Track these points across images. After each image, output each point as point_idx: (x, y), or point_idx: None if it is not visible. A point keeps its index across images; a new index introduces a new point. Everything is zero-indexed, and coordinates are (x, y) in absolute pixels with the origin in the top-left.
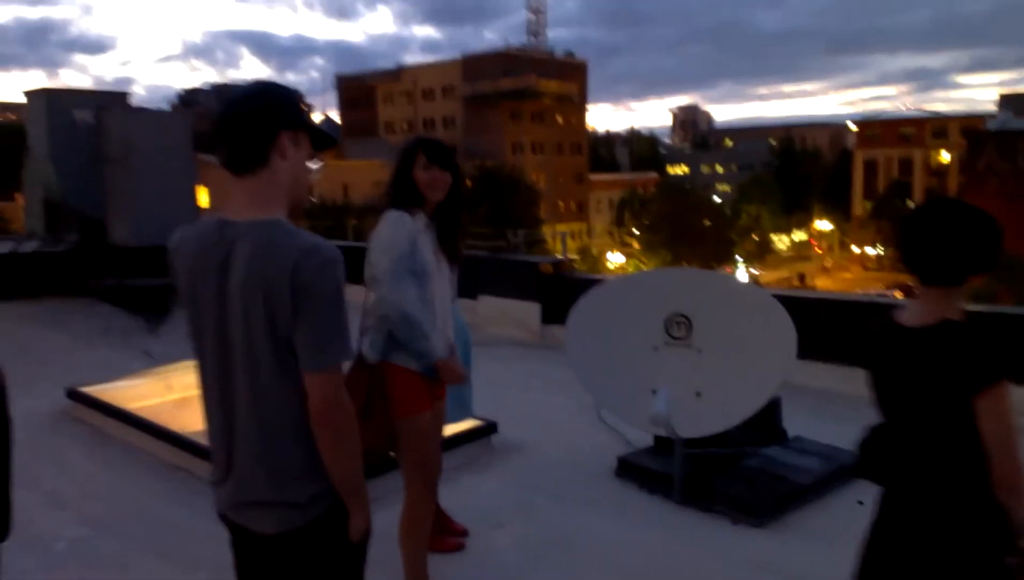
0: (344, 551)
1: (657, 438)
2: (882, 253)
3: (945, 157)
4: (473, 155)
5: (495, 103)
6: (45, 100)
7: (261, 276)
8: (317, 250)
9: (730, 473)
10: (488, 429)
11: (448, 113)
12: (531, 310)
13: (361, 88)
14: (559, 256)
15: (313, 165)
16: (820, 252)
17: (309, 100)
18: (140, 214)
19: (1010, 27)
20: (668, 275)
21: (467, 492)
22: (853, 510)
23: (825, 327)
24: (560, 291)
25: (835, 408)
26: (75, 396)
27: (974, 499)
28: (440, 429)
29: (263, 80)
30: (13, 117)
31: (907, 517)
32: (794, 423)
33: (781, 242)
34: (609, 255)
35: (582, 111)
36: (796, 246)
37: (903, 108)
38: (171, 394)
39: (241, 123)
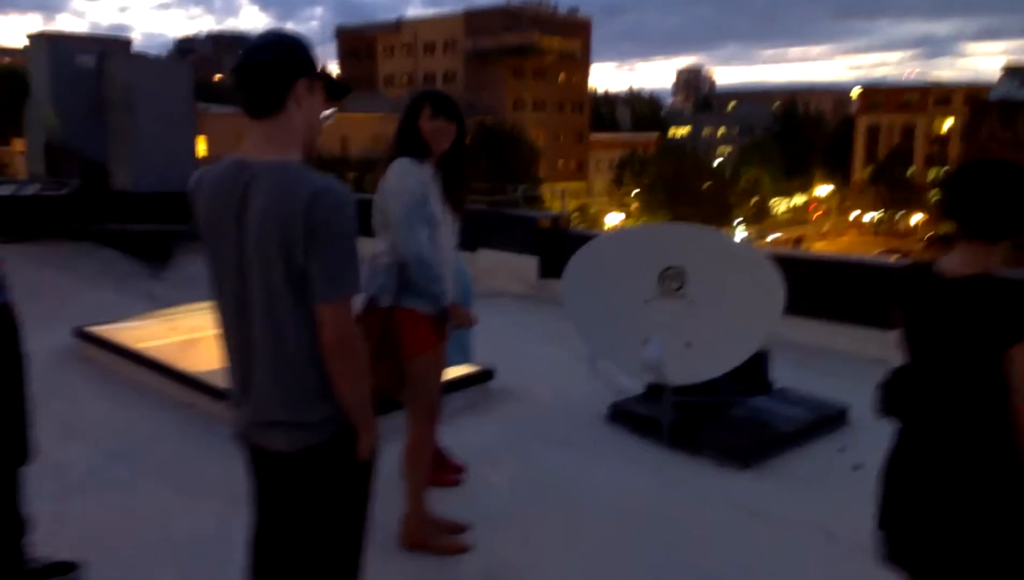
0: (353, 469)
1: (648, 386)
2: (880, 218)
3: (947, 125)
4: (474, 111)
5: (497, 59)
6: (47, 45)
7: (277, 212)
8: (330, 189)
9: (717, 420)
10: (486, 375)
11: (449, 68)
12: (529, 264)
13: (361, 40)
14: (558, 212)
15: (326, 112)
16: (819, 215)
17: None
18: (141, 160)
19: None
20: (663, 230)
21: (465, 433)
22: (833, 457)
23: (813, 285)
24: (558, 246)
25: (821, 363)
26: (83, 336)
27: (994, 445)
28: (442, 371)
29: (280, 30)
30: (9, 61)
31: (926, 457)
32: (781, 376)
33: (781, 206)
34: (608, 216)
35: (584, 69)
36: (795, 210)
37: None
38: (176, 335)
39: (260, 70)
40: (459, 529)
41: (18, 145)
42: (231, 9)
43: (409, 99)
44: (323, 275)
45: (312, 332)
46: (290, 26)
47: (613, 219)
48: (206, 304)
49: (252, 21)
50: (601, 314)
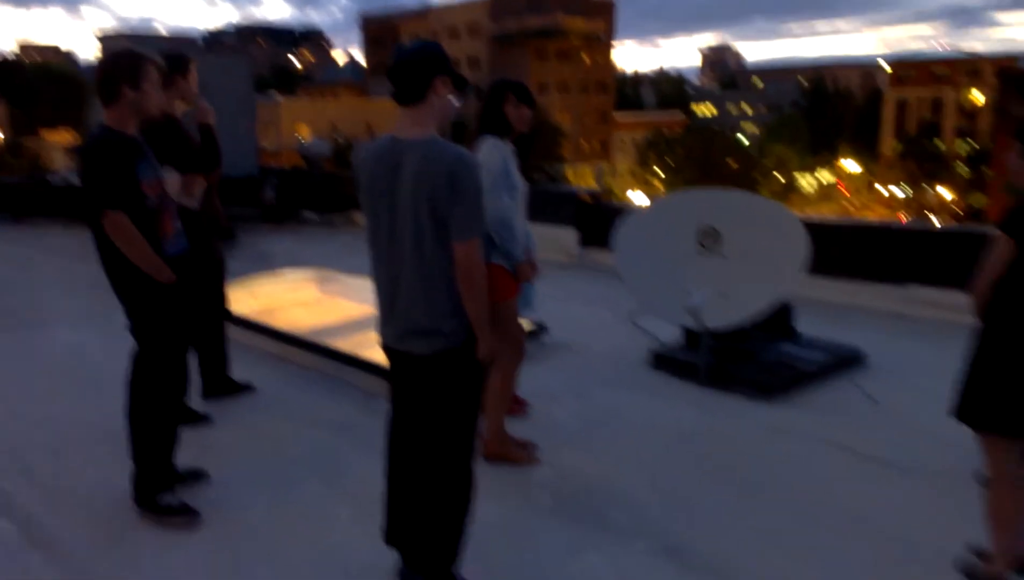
0: (474, 369)
1: (686, 336)
2: (909, 195)
3: (978, 98)
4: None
5: (521, 42)
6: (122, 45)
7: (427, 174)
8: (464, 157)
9: (747, 362)
10: (540, 329)
11: (473, 52)
12: (570, 235)
13: (386, 27)
14: (596, 187)
15: (454, 100)
16: (846, 193)
17: (331, 39)
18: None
19: None
20: (702, 194)
21: (525, 378)
22: (849, 391)
23: (836, 248)
24: (597, 218)
25: (842, 317)
26: None
27: None
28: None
29: (423, 40)
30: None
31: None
32: (805, 329)
33: (807, 183)
34: (631, 194)
35: (608, 50)
36: (822, 187)
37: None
38: (257, 301)
39: (407, 70)
40: (530, 446)
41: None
42: None
43: (490, 88)
44: (459, 221)
45: (449, 264)
46: (312, 14)
47: (638, 199)
48: (277, 275)
49: (275, 11)
50: (648, 271)
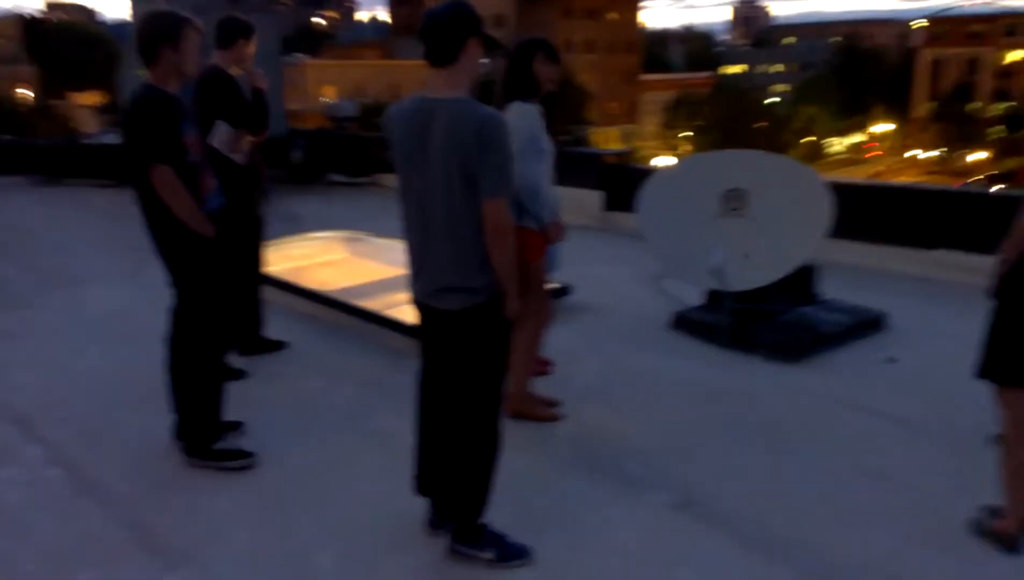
0: (501, 324)
1: (708, 297)
2: (944, 156)
3: (1016, 56)
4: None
5: (548, 1)
6: (151, 5)
7: (457, 134)
8: (494, 117)
9: (769, 324)
10: (563, 290)
11: (499, 10)
12: (595, 198)
13: None
14: (622, 149)
15: (484, 61)
16: (879, 154)
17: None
18: None
19: None
20: (728, 155)
21: (549, 337)
22: (870, 354)
23: (862, 210)
24: (622, 180)
25: (866, 280)
26: None
27: None
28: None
29: (457, 0)
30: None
31: None
32: (828, 291)
33: (838, 144)
34: (657, 158)
35: (636, 8)
36: (852, 149)
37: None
38: (288, 262)
39: (439, 31)
40: (553, 403)
41: (81, 98)
42: None
43: (518, 45)
44: (489, 179)
45: (478, 220)
46: None
47: (664, 162)
48: (306, 237)
49: None
50: (671, 232)
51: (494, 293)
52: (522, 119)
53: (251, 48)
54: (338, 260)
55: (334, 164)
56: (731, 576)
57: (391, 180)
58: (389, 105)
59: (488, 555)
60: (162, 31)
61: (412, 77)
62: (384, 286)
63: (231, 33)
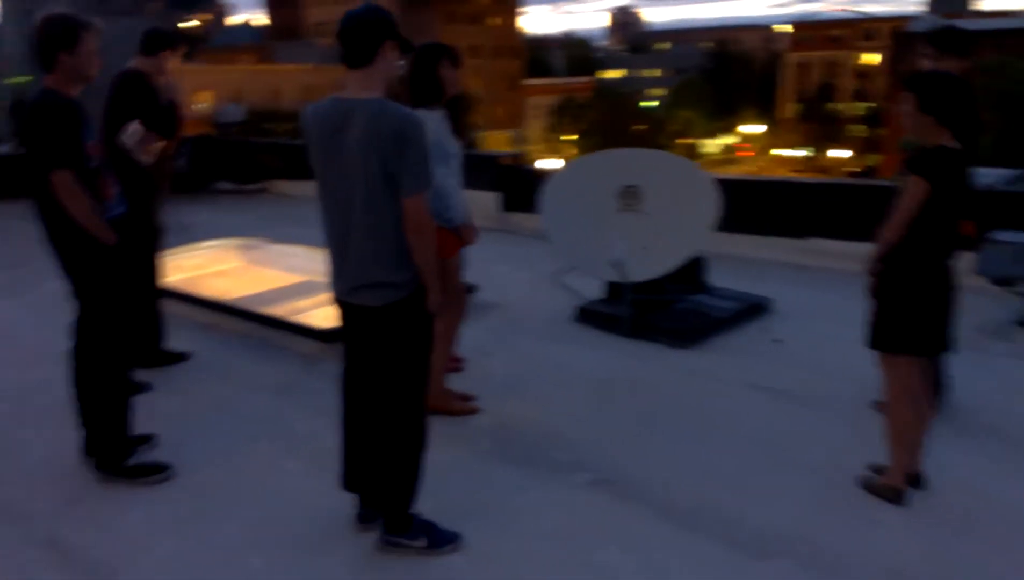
0: (424, 318)
1: (608, 291)
2: (810, 155)
3: (874, 59)
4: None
5: (430, 4)
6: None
7: (376, 133)
8: (412, 116)
9: (665, 313)
10: (470, 288)
11: None
12: (492, 199)
13: None
14: (516, 151)
15: (399, 63)
16: (751, 154)
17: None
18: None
19: None
20: (622, 154)
21: (457, 337)
22: (758, 336)
23: (745, 204)
24: (518, 182)
25: (748, 269)
26: None
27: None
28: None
29: (371, 4)
30: None
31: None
32: (717, 280)
33: (712, 146)
34: (543, 162)
35: (518, 14)
36: (726, 150)
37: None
38: (182, 273)
39: (356, 34)
40: (469, 397)
41: None
42: None
43: (422, 51)
44: (409, 176)
45: (398, 217)
46: None
47: (550, 165)
48: (199, 245)
49: None
50: (573, 229)
51: (415, 288)
52: (428, 124)
53: (175, 60)
54: (233, 269)
55: (221, 171)
56: (651, 546)
57: (284, 186)
58: (305, 107)
59: (420, 543)
60: (58, 36)
61: (292, 81)
62: (285, 293)
63: (157, 43)
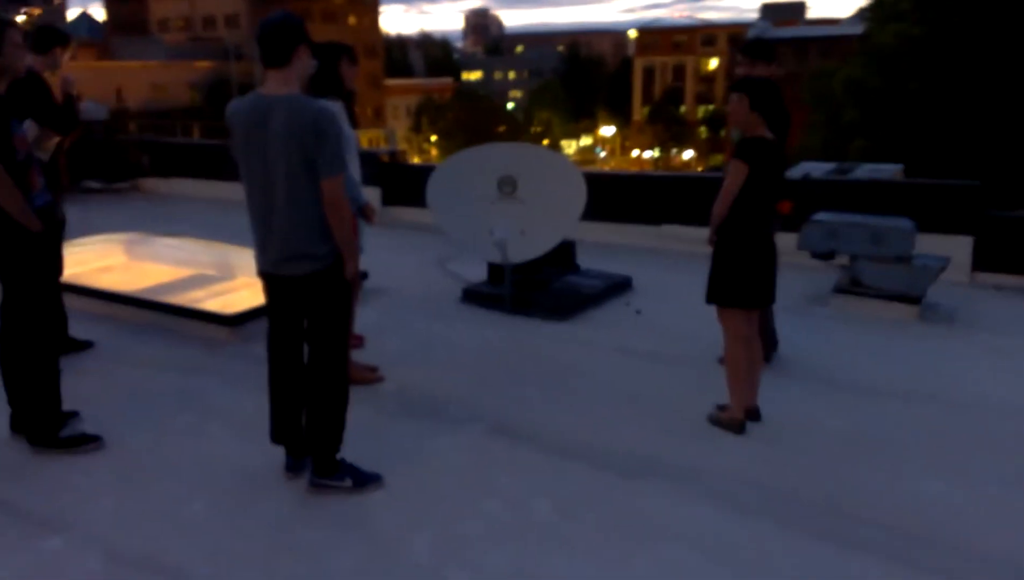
0: (343, 284)
1: (489, 274)
2: (657, 156)
3: (713, 64)
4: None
5: (282, 2)
6: None
7: (295, 125)
8: (325, 108)
9: (542, 292)
10: (363, 275)
11: (230, 11)
12: (373, 194)
13: None
14: (391, 148)
15: (311, 62)
16: (604, 155)
17: None
18: None
19: None
20: (500, 148)
21: (356, 317)
22: (621, 309)
23: (607, 196)
24: (396, 177)
25: (613, 253)
26: None
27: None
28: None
29: (285, 12)
30: None
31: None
32: (585, 262)
33: (570, 147)
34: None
35: (375, 12)
36: (582, 151)
37: (678, 16)
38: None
39: (273, 38)
40: (373, 368)
41: None
42: None
43: (323, 49)
44: (325, 162)
45: (317, 196)
46: None
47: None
48: (78, 241)
49: None
50: (458, 216)
51: (334, 259)
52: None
53: (67, 55)
54: (120, 264)
55: (87, 170)
56: (541, 477)
57: (153, 184)
58: (230, 102)
59: (346, 484)
60: None
61: (136, 80)
62: (178, 286)
63: (48, 40)
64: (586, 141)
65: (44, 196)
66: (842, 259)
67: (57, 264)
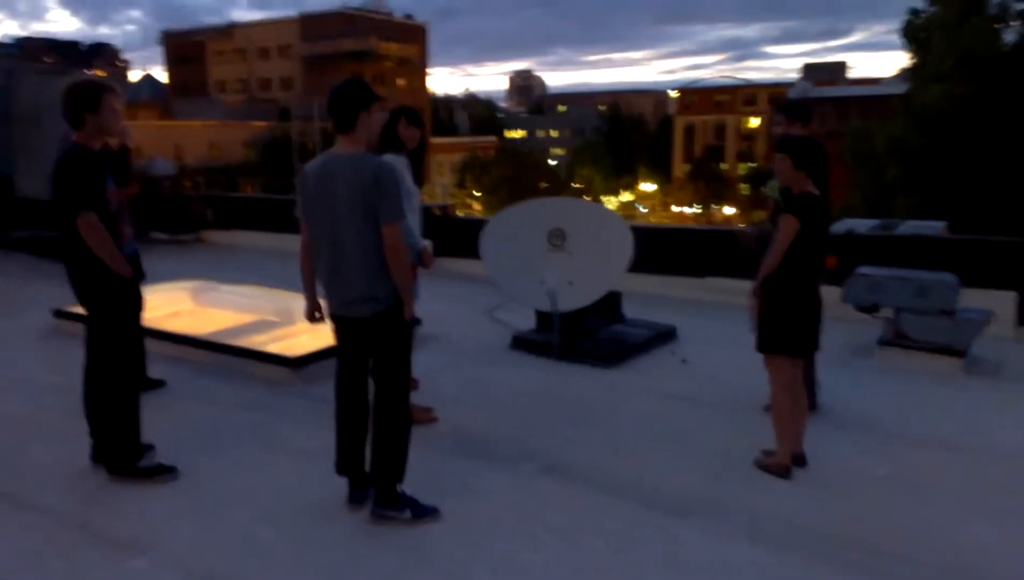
0: (403, 325)
1: (538, 322)
2: (700, 212)
3: (754, 123)
4: (311, 118)
5: (336, 64)
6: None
7: (358, 179)
8: (384, 163)
9: (589, 340)
10: (416, 321)
11: (285, 73)
12: (425, 245)
13: (189, 45)
14: (443, 203)
15: (379, 117)
16: (645, 211)
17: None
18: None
19: (815, 1)
20: (550, 203)
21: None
22: (667, 357)
23: (654, 249)
24: (447, 230)
25: (658, 304)
26: (62, 314)
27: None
28: None
29: (352, 79)
30: None
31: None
32: (631, 312)
33: (610, 203)
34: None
35: (422, 74)
36: (623, 206)
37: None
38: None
39: (339, 106)
40: (428, 409)
41: None
42: (37, 13)
43: (389, 113)
44: (384, 211)
45: (379, 242)
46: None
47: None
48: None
49: (61, 24)
50: (509, 266)
51: (395, 301)
52: (396, 166)
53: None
54: (188, 310)
55: (153, 222)
56: (592, 514)
57: (216, 236)
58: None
59: (406, 515)
60: (83, 98)
61: (195, 138)
62: (242, 331)
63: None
64: (626, 197)
65: (132, 245)
66: (885, 312)
67: (140, 307)
